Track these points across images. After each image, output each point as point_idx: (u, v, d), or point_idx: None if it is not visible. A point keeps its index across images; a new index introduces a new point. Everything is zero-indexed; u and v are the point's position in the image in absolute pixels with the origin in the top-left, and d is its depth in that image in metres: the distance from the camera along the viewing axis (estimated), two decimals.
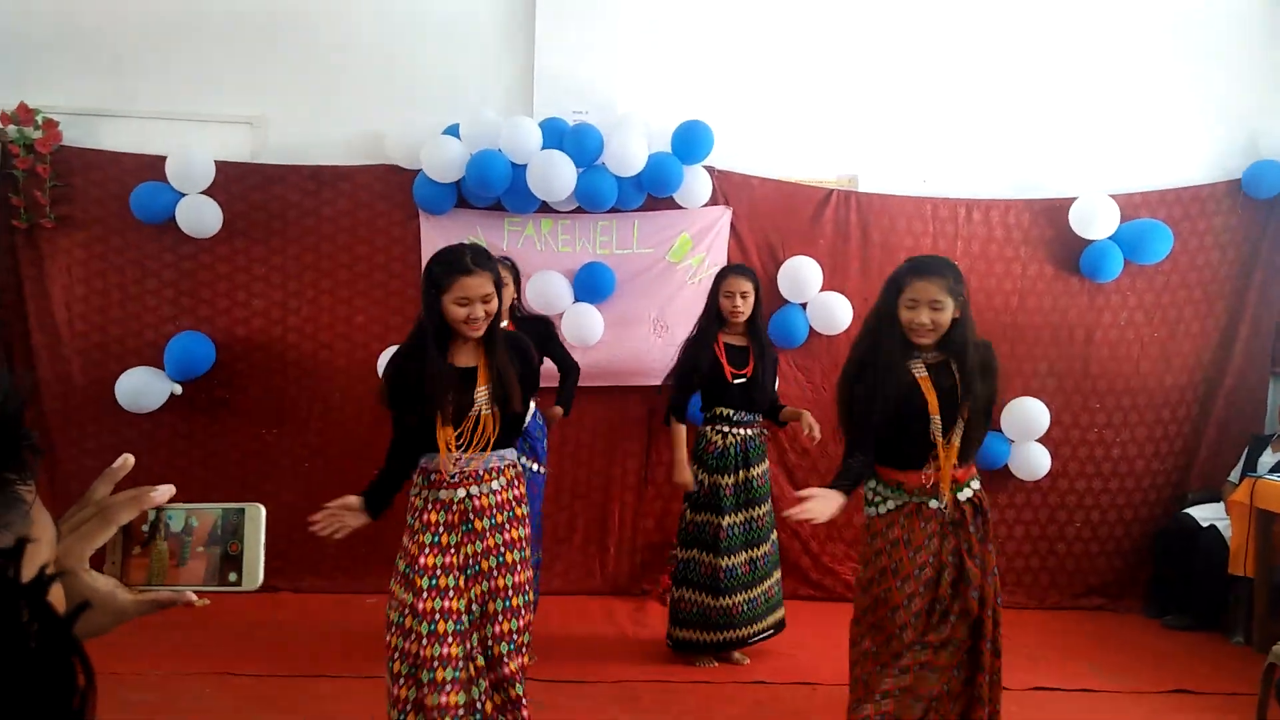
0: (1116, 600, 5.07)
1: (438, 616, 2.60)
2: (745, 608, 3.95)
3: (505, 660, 2.66)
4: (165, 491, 0.88)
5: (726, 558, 3.93)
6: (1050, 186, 5.13)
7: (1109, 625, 4.74)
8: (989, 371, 2.78)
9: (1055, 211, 5.07)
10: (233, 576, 0.91)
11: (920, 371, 2.76)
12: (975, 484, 2.83)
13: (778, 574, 4.13)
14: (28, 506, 0.65)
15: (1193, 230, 5.13)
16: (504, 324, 3.86)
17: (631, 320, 4.92)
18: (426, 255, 4.79)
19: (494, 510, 2.70)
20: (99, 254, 4.82)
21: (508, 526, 2.72)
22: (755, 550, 3.99)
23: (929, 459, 2.73)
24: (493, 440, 2.70)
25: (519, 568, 2.72)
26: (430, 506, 2.69)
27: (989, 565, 2.78)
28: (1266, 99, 5.24)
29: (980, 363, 2.76)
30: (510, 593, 2.69)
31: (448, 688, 2.56)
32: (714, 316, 4.01)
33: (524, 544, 2.76)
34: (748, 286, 3.96)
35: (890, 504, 2.79)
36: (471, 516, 2.68)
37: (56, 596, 0.63)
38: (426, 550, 2.65)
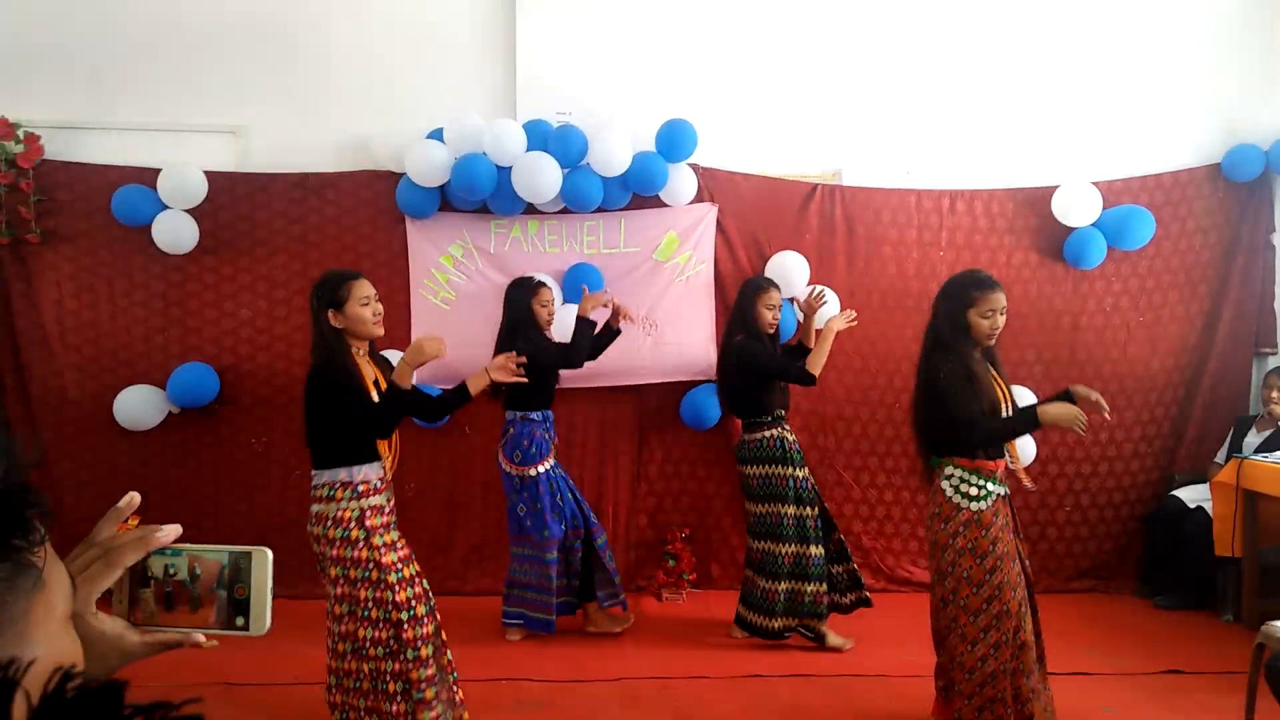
0: (1108, 582, 5.11)
1: (414, 602, 2.85)
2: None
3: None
4: (171, 531, 0.86)
5: (815, 546, 4.03)
6: (1033, 175, 5.17)
7: (1102, 607, 4.77)
8: None
9: (1038, 200, 5.10)
10: (240, 620, 0.88)
11: (990, 369, 3.12)
12: None
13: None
14: (39, 572, 0.63)
15: (1174, 215, 5.18)
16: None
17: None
18: (413, 259, 4.84)
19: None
20: (88, 267, 4.81)
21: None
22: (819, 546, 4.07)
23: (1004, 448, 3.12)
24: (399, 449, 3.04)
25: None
26: (368, 514, 2.87)
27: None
28: (1244, 85, 5.29)
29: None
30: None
31: (429, 663, 2.86)
32: (755, 330, 4.09)
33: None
34: (780, 299, 4.17)
35: (993, 495, 3.03)
36: (398, 516, 3.01)
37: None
38: (389, 549, 2.88)
